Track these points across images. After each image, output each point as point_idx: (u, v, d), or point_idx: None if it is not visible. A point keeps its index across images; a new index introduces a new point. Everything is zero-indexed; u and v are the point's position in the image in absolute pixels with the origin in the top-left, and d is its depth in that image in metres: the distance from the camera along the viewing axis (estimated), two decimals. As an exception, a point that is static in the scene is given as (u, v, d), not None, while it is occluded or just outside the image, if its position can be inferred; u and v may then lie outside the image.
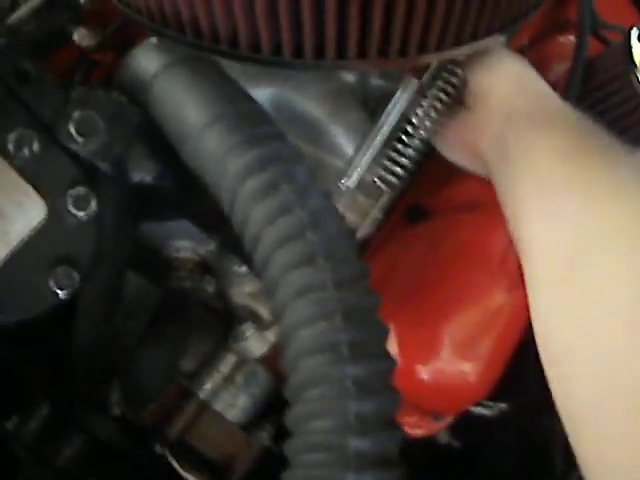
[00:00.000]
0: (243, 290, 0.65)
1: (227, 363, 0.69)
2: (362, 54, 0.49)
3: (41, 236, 0.43)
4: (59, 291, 0.42)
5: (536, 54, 0.74)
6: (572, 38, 0.71)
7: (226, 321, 0.68)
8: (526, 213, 0.46)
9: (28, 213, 0.42)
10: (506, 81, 0.56)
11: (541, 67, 0.66)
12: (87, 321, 0.51)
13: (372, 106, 0.64)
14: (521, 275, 0.55)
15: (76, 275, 0.43)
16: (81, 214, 0.43)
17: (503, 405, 0.76)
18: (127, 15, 0.54)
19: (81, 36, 0.55)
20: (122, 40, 0.66)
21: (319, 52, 0.48)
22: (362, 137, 0.61)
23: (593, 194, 0.42)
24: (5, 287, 0.42)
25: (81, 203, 0.43)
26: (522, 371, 0.66)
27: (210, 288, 0.64)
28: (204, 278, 0.64)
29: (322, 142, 0.62)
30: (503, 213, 0.51)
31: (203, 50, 0.50)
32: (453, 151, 0.60)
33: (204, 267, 0.64)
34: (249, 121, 0.41)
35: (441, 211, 0.66)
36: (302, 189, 0.39)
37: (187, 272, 0.63)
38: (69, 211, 0.43)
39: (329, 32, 0.47)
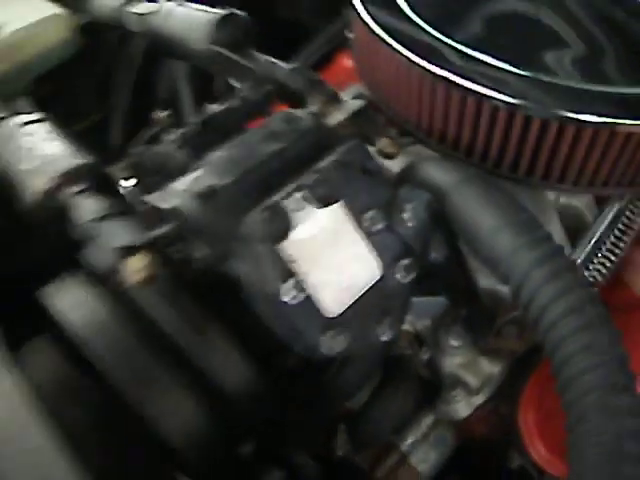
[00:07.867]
0: (455, 361, 0.80)
1: (426, 422, 0.83)
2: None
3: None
4: (384, 338, 0.58)
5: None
6: None
7: (428, 386, 0.83)
8: None
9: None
10: None
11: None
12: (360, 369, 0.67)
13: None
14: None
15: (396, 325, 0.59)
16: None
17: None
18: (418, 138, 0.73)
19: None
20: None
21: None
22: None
23: None
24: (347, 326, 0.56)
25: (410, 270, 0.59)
26: None
27: (425, 357, 0.79)
28: (421, 349, 0.79)
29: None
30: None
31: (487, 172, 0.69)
32: None
33: (419, 339, 0.80)
34: (528, 227, 0.58)
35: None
36: (577, 274, 0.55)
37: (407, 342, 0.79)
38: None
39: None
